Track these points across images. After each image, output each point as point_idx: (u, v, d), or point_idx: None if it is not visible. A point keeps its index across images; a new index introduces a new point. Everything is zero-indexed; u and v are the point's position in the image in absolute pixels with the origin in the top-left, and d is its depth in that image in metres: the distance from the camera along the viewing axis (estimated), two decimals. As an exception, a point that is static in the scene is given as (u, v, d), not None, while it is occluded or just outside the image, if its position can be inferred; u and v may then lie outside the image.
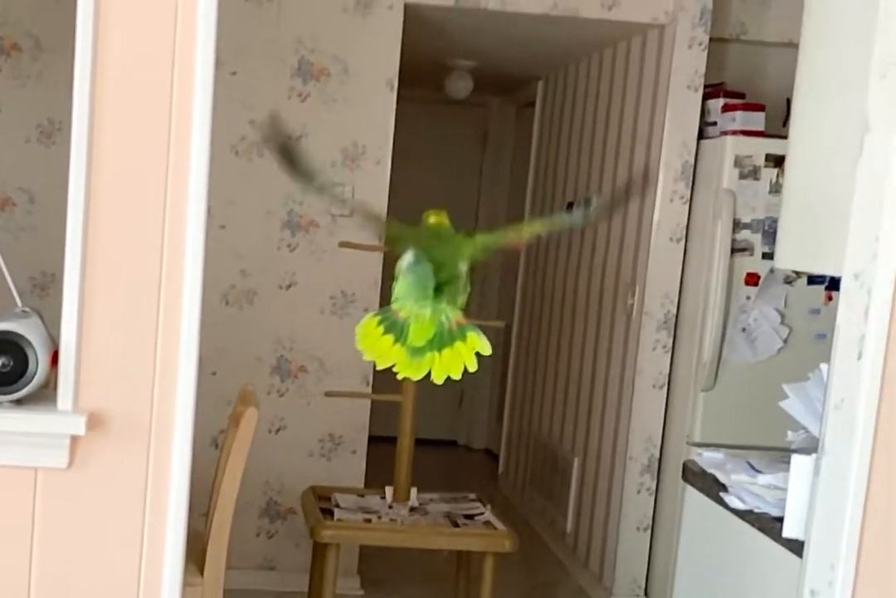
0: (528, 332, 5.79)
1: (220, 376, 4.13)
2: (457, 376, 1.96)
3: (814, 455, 2.08)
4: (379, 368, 2.04)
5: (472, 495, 3.73)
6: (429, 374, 2.04)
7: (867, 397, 1.93)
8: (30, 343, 1.86)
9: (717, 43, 4.21)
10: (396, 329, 1.99)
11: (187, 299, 1.85)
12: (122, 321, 1.86)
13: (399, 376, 2.01)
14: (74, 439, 1.86)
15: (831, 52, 2.18)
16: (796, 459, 2.15)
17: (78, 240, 1.82)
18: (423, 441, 6.41)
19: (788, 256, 2.34)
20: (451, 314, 1.95)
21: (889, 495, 1.93)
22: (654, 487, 4.21)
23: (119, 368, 1.87)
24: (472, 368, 1.94)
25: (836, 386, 2.01)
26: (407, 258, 1.96)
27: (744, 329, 3.82)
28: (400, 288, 1.95)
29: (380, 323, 2.00)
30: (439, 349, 1.97)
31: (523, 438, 5.72)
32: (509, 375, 6.09)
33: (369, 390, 4.29)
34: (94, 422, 1.86)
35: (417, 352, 1.97)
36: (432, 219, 2.10)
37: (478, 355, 1.96)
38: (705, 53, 4.06)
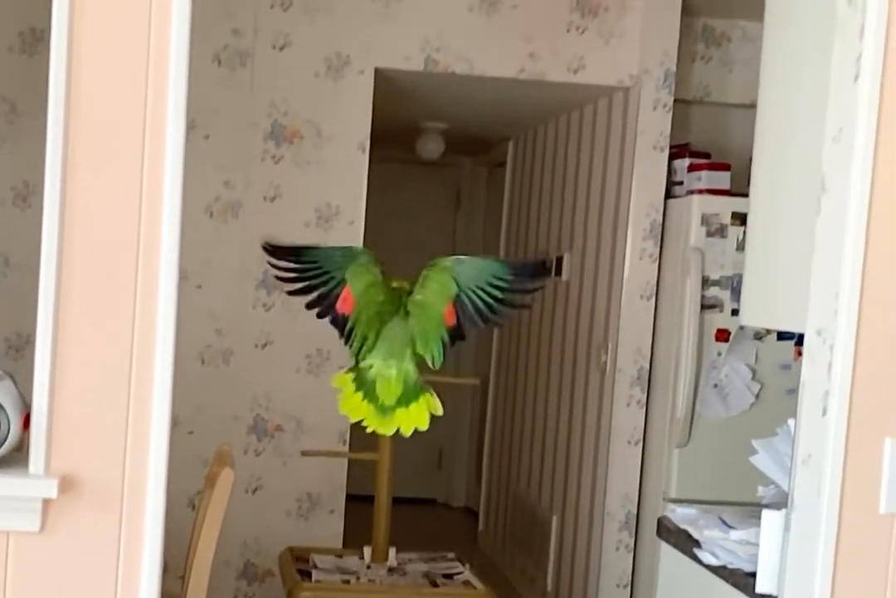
0: (504, 389, 5.81)
1: (197, 436, 4.13)
2: (424, 426, 2.25)
3: (784, 510, 2.10)
4: (352, 421, 2.34)
5: (451, 555, 3.73)
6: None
7: (833, 452, 1.95)
8: (1, 406, 1.87)
9: (681, 104, 4.31)
10: (366, 386, 2.27)
11: (160, 362, 1.86)
12: (95, 384, 1.87)
13: (368, 430, 2.32)
14: (46, 503, 1.86)
15: (787, 116, 2.25)
16: (767, 514, 2.17)
17: (50, 303, 1.83)
18: (403, 500, 6.38)
19: (753, 314, 2.38)
20: (413, 372, 2.22)
21: (858, 550, 1.95)
22: (632, 543, 4.21)
23: (91, 431, 1.87)
24: (438, 412, 2.25)
25: (802, 442, 2.03)
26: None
27: (716, 385, 3.86)
28: (382, 337, 2.24)
29: (353, 380, 2.28)
30: (407, 404, 2.25)
31: (502, 495, 5.71)
32: (487, 432, 6.10)
33: (346, 448, 4.29)
34: (67, 485, 1.86)
35: (387, 410, 2.26)
36: (395, 283, 2.38)
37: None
38: (670, 115, 4.16)
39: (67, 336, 1.85)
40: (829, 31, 1.99)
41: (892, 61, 1.86)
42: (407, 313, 2.34)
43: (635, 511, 4.19)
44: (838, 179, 1.95)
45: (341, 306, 2.35)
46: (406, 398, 2.27)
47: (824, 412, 1.96)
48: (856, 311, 1.92)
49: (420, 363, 2.44)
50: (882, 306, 1.92)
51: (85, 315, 1.85)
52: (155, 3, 1.79)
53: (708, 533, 2.43)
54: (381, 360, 2.29)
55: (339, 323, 2.38)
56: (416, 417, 2.29)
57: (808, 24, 2.18)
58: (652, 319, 4.16)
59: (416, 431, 2.33)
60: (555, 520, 4.79)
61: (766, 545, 2.15)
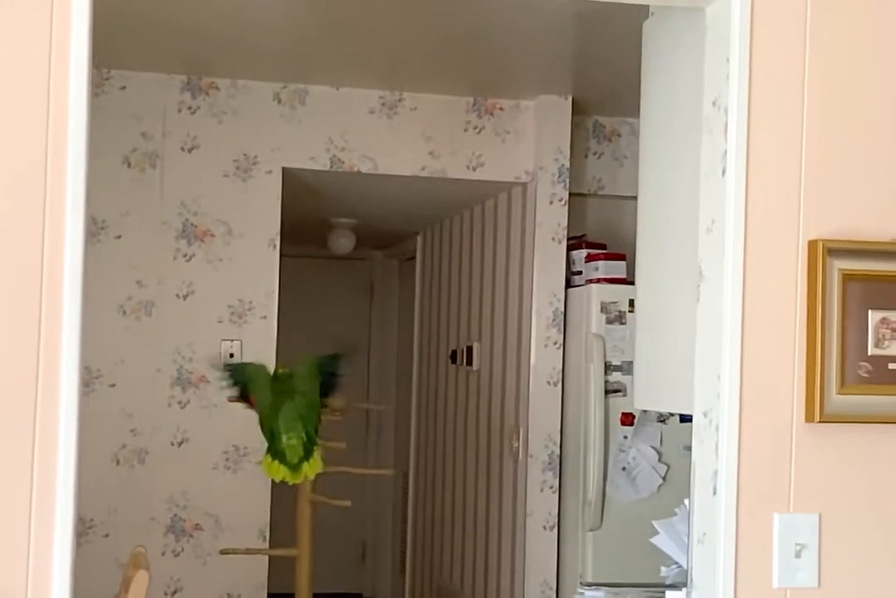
0: (424, 479, 5.82)
1: (113, 539, 4.08)
2: (321, 469, 3.31)
3: (685, 590, 2.15)
4: (273, 478, 3.33)
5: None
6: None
7: (725, 529, 2.00)
8: None
9: (576, 198, 4.48)
10: (279, 455, 3.25)
11: (62, 467, 1.85)
12: (-4, 492, 1.86)
13: (280, 480, 3.31)
14: (-53, 616, 1.83)
15: (665, 208, 2.37)
16: (669, 594, 2.22)
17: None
18: (328, 596, 6.31)
19: (645, 397, 2.47)
20: (305, 437, 3.25)
21: (755, 624, 2.00)
22: (552, 629, 4.23)
23: (-7, 539, 1.85)
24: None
25: (697, 520, 2.09)
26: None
27: (624, 468, 3.93)
28: (281, 418, 3.26)
29: (268, 452, 3.29)
30: (308, 458, 3.25)
31: (426, 586, 5.68)
32: (409, 523, 6.08)
33: (266, 545, 4.26)
34: (-32, 596, 1.83)
35: (295, 467, 3.25)
36: (281, 370, 3.46)
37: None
38: (566, 208, 4.32)
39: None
40: (698, 128, 2.12)
41: (755, 156, 1.99)
42: (294, 395, 3.32)
43: (554, 597, 4.21)
44: (714, 268, 2.05)
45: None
46: (306, 454, 3.26)
47: (715, 491, 2.02)
48: (737, 392, 1.99)
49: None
50: (761, 387, 2.00)
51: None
52: (53, 113, 1.85)
53: (615, 616, 2.47)
54: (285, 434, 3.25)
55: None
56: (314, 464, 3.28)
57: (680, 122, 2.32)
58: (560, 404, 4.25)
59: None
60: (477, 610, 4.78)
61: (671, 624, 2.20)
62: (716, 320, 2.04)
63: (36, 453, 1.86)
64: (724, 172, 2.01)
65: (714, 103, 2.05)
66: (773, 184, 1.98)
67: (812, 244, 1.96)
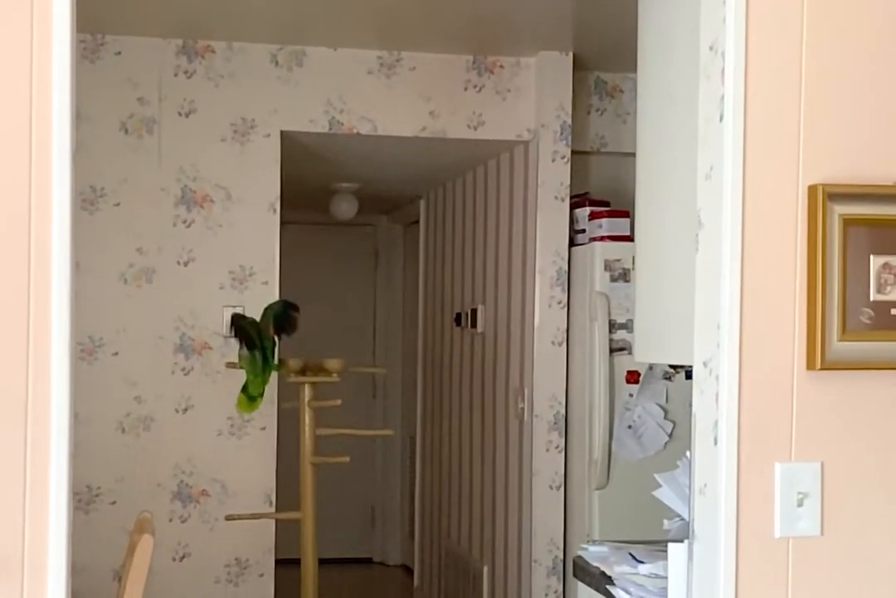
0: (431, 442, 5.83)
1: (120, 506, 4.09)
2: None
3: (687, 542, 2.14)
4: (240, 410, 4.07)
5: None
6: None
7: (726, 480, 1.98)
8: None
9: (579, 155, 4.43)
10: (245, 390, 3.95)
11: (55, 435, 1.83)
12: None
13: (242, 411, 4.07)
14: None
15: (664, 157, 2.34)
16: (672, 546, 2.21)
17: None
18: (338, 560, 6.34)
19: (645, 350, 2.44)
20: (267, 379, 3.95)
21: (757, 574, 1.99)
22: (560, 589, 4.23)
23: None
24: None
25: (698, 472, 2.07)
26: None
27: (630, 426, 3.92)
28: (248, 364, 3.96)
29: (242, 390, 3.98)
30: (262, 397, 3.96)
31: (435, 549, 5.70)
32: (417, 486, 6.10)
33: (272, 510, 4.27)
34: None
35: (253, 399, 3.94)
36: (248, 319, 4.01)
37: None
38: (568, 166, 4.28)
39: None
40: (696, 75, 2.08)
41: (753, 101, 1.95)
42: (252, 338, 3.94)
43: (562, 556, 4.22)
44: (713, 215, 2.02)
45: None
46: (262, 393, 3.95)
47: (716, 441, 2.00)
48: (737, 341, 1.97)
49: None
50: (761, 335, 1.98)
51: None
52: (36, 79, 1.82)
53: (618, 569, 2.47)
54: (252, 374, 3.93)
55: None
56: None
57: (678, 69, 2.28)
58: (565, 364, 4.23)
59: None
60: (486, 571, 4.79)
61: (674, 576, 2.18)
62: (715, 268, 2.01)
63: (29, 416, 1.84)
64: (721, 118, 1.97)
65: (711, 48, 2.01)
66: (772, 128, 1.95)
67: (812, 189, 1.92)
